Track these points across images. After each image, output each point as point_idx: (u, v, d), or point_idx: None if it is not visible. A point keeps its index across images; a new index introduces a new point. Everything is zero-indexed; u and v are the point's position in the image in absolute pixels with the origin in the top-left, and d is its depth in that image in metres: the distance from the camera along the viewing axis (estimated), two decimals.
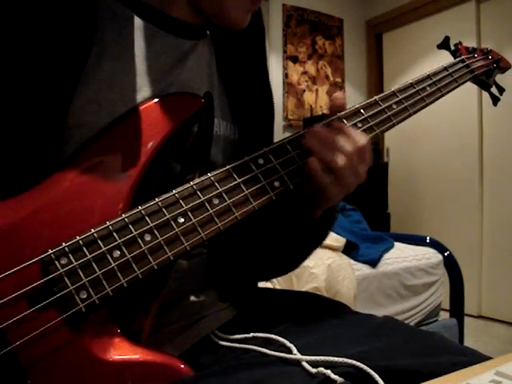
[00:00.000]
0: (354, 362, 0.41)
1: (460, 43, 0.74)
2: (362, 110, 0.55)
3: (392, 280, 1.75)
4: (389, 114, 0.56)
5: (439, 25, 2.98)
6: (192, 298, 0.54)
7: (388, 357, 0.43)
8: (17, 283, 0.37)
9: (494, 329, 2.58)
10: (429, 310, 1.85)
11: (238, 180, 0.46)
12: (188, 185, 0.44)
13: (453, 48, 0.74)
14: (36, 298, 0.37)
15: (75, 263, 0.38)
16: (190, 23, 0.54)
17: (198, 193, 0.44)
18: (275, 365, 0.44)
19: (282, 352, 0.45)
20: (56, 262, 0.38)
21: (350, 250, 1.79)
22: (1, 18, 0.42)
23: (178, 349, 0.50)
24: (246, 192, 0.46)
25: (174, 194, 0.43)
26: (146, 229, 0.41)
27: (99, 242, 0.40)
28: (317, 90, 3.28)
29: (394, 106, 0.57)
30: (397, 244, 1.97)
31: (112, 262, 0.39)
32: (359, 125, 0.54)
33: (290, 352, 0.45)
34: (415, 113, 0.59)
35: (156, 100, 0.47)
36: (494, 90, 0.76)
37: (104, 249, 0.39)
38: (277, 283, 1.54)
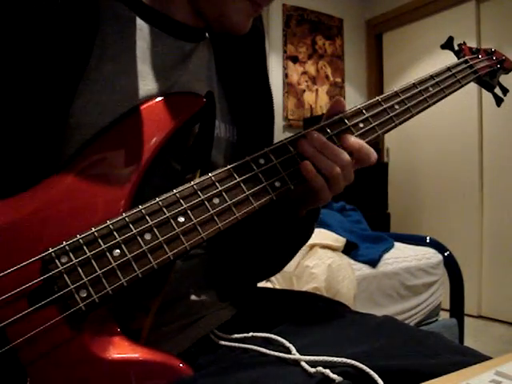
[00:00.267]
0: (353, 361, 0.41)
1: (464, 43, 0.74)
2: (363, 111, 0.54)
3: (392, 280, 1.75)
4: (391, 114, 0.56)
5: (439, 25, 2.98)
6: (191, 297, 0.55)
7: (388, 357, 0.43)
8: (17, 281, 0.37)
9: (493, 329, 2.58)
10: (429, 310, 1.85)
11: (239, 180, 0.46)
12: (189, 184, 0.44)
13: (456, 48, 0.73)
14: (36, 297, 0.37)
15: (75, 262, 0.38)
16: (190, 26, 0.54)
17: (199, 192, 0.44)
18: (274, 364, 0.44)
19: (280, 352, 0.45)
20: (56, 261, 0.38)
21: (349, 250, 1.79)
22: (3, 18, 0.42)
23: (178, 348, 0.51)
24: (247, 192, 0.46)
25: (174, 194, 0.43)
26: (147, 228, 0.41)
27: (99, 240, 0.40)
28: (317, 90, 3.28)
29: (397, 107, 0.56)
30: (397, 244, 1.96)
31: (112, 261, 0.39)
32: (361, 125, 0.53)
33: (289, 352, 0.45)
34: (418, 113, 0.58)
35: (157, 99, 0.47)
36: (497, 90, 0.75)
37: (104, 247, 0.39)
38: (277, 283, 1.54)
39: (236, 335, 0.52)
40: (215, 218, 0.44)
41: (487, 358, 0.43)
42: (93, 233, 0.40)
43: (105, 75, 0.46)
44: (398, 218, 3.19)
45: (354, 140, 0.51)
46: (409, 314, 1.77)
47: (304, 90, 3.22)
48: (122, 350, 0.39)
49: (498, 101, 0.75)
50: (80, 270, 0.38)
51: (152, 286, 0.45)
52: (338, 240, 1.75)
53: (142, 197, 0.43)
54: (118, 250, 0.40)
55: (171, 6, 0.52)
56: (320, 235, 1.70)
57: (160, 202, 0.42)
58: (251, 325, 0.53)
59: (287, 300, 0.61)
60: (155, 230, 0.41)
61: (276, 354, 0.45)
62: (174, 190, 0.43)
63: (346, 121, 0.53)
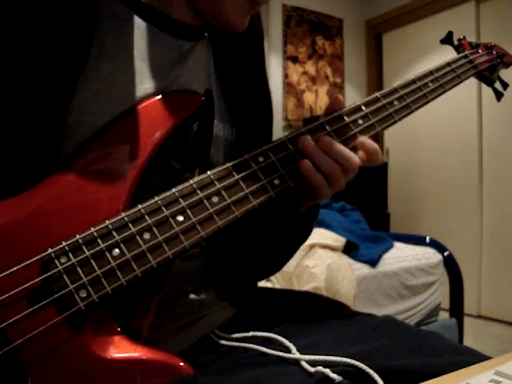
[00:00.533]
0: (352, 361, 0.41)
1: (464, 38, 0.73)
2: (363, 107, 0.54)
3: (392, 280, 1.75)
4: (390, 110, 0.55)
5: (439, 25, 2.98)
6: (191, 297, 0.55)
7: (387, 356, 0.44)
8: (17, 282, 0.37)
9: (493, 329, 2.58)
10: (428, 310, 1.85)
11: (238, 177, 0.46)
12: (188, 183, 0.44)
13: (456, 43, 0.72)
14: (36, 297, 0.37)
15: (75, 262, 0.38)
16: (188, 24, 0.54)
17: (198, 191, 0.44)
18: (274, 364, 0.44)
19: (281, 351, 0.46)
20: (56, 261, 0.38)
21: (349, 250, 1.79)
22: (1, 16, 0.42)
23: (178, 347, 0.51)
24: (246, 190, 0.46)
25: (173, 193, 0.43)
26: (146, 227, 0.41)
27: (99, 240, 0.40)
28: (317, 91, 3.27)
29: (396, 103, 0.56)
30: (396, 244, 1.96)
31: (111, 261, 0.39)
32: (360, 121, 0.53)
33: (289, 351, 0.45)
34: (417, 109, 0.58)
35: (156, 98, 0.47)
36: (497, 85, 0.75)
37: (103, 246, 0.39)
38: (276, 283, 1.54)
39: (236, 335, 0.52)
40: (214, 216, 0.44)
41: (487, 358, 0.43)
42: (92, 233, 0.40)
43: (103, 73, 0.46)
44: (398, 217, 3.19)
45: (369, 141, 0.51)
46: (408, 313, 1.77)
47: (304, 91, 3.22)
48: (122, 350, 0.40)
49: (498, 95, 0.74)
50: (79, 270, 0.38)
51: (151, 285, 0.45)
52: (338, 240, 1.75)
53: (141, 196, 0.43)
54: (117, 250, 0.40)
55: (169, 4, 0.52)
56: (320, 235, 1.70)
57: (159, 201, 0.42)
58: (251, 324, 0.53)
59: (287, 300, 0.62)
60: (154, 229, 0.41)
61: (276, 353, 0.45)
62: (173, 189, 0.43)
63: (345, 117, 0.52)
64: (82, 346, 0.38)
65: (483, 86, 0.75)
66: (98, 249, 0.39)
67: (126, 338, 0.41)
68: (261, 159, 0.48)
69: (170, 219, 0.42)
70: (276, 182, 0.48)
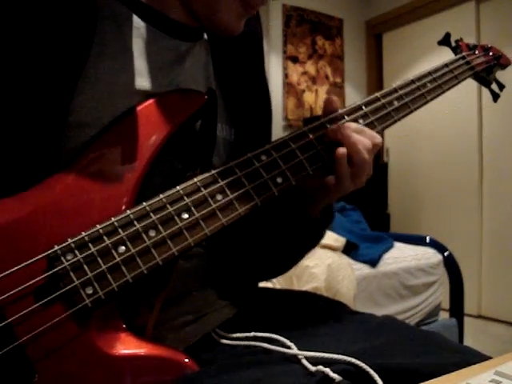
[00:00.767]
0: (353, 360, 0.42)
1: (461, 39, 0.74)
2: (363, 107, 0.55)
3: (392, 280, 1.75)
4: (389, 109, 0.56)
5: (439, 25, 2.98)
6: (194, 295, 0.55)
7: (387, 356, 0.44)
8: (23, 279, 0.37)
9: (493, 329, 2.58)
10: (428, 310, 1.85)
11: (240, 175, 0.46)
12: (192, 181, 0.44)
13: (454, 44, 0.73)
14: (42, 294, 0.37)
15: (81, 258, 0.39)
16: (187, 25, 0.54)
17: (202, 189, 0.44)
18: (275, 363, 0.45)
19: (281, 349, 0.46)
20: (62, 258, 0.38)
21: (349, 250, 1.79)
22: (2, 16, 0.42)
23: (180, 345, 0.51)
24: (248, 187, 0.46)
25: (178, 191, 0.43)
26: (151, 224, 0.41)
27: (104, 237, 0.40)
28: (317, 91, 3.28)
29: (395, 102, 0.57)
30: (396, 244, 1.97)
31: (117, 258, 0.40)
32: (360, 120, 0.54)
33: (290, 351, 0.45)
34: (416, 109, 0.59)
35: (158, 97, 0.47)
36: (494, 86, 0.76)
37: (109, 243, 0.40)
38: (276, 283, 1.54)
39: (237, 334, 0.52)
40: (218, 213, 0.44)
41: (487, 358, 0.43)
42: (98, 230, 0.40)
43: (104, 73, 0.46)
44: (398, 218, 3.19)
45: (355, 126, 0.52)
46: (408, 313, 1.77)
47: (304, 90, 3.22)
48: (128, 346, 0.40)
49: (495, 96, 0.75)
50: (85, 267, 0.39)
51: (156, 282, 0.45)
52: (338, 240, 1.76)
53: (143, 195, 0.43)
54: (122, 247, 0.40)
55: (166, 5, 0.52)
56: None
57: (164, 199, 0.43)
58: (252, 324, 0.53)
59: (288, 300, 0.62)
60: (159, 226, 0.42)
61: (278, 348, 0.46)
62: (178, 187, 0.44)
63: (345, 117, 0.53)
64: (88, 342, 0.39)
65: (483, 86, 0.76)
66: (103, 246, 0.40)
67: (131, 334, 0.41)
68: (263, 158, 0.48)
69: (175, 216, 0.42)
70: (278, 179, 0.48)
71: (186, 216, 0.43)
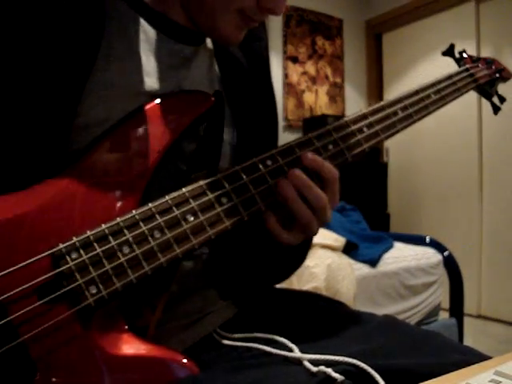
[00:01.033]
0: (354, 360, 0.42)
1: (464, 51, 0.75)
2: (368, 116, 0.56)
3: (392, 280, 1.75)
4: (394, 119, 0.57)
5: (439, 25, 2.98)
6: (195, 296, 0.55)
7: (388, 356, 0.44)
8: (27, 277, 0.37)
9: (493, 328, 2.58)
10: (428, 310, 1.85)
11: (246, 180, 0.46)
12: (197, 184, 0.45)
13: (457, 56, 0.75)
14: (46, 293, 0.37)
15: (86, 258, 0.39)
16: (190, 29, 0.54)
17: (208, 192, 0.45)
18: (277, 364, 0.45)
19: (283, 351, 0.46)
20: (67, 257, 0.38)
21: (349, 250, 1.79)
22: (10, 19, 0.42)
23: (181, 345, 0.51)
24: (254, 192, 0.46)
25: (184, 193, 0.44)
26: (156, 226, 0.42)
27: (110, 237, 0.40)
28: (317, 91, 3.28)
29: (400, 112, 0.58)
30: (396, 244, 1.97)
31: (121, 258, 0.40)
32: (365, 129, 0.54)
33: (292, 352, 0.46)
34: (419, 120, 0.60)
35: (166, 98, 0.47)
36: (495, 99, 0.77)
37: (114, 243, 0.40)
38: None
39: (238, 335, 0.52)
40: (223, 216, 0.44)
41: (487, 358, 0.43)
42: (103, 229, 0.40)
43: (112, 75, 0.46)
44: (398, 217, 3.19)
45: (312, 157, 0.49)
46: (408, 313, 1.77)
47: (304, 91, 3.22)
48: (129, 346, 0.40)
49: (496, 109, 0.76)
50: (90, 266, 0.39)
51: (159, 283, 0.45)
52: (338, 240, 1.76)
53: (148, 196, 0.44)
54: (127, 247, 0.40)
55: (170, 9, 0.52)
56: (320, 235, 1.69)
57: (170, 201, 0.43)
58: (253, 324, 0.54)
59: (289, 299, 0.62)
60: (165, 228, 0.42)
61: (279, 352, 0.46)
62: (184, 189, 0.44)
63: (351, 125, 0.54)
64: (90, 341, 0.39)
65: None
66: (108, 246, 0.40)
67: (132, 335, 0.41)
68: (269, 163, 0.48)
69: (180, 219, 0.43)
70: None
71: (191, 218, 0.43)
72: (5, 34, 0.42)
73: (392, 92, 3.29)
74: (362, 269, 1.71)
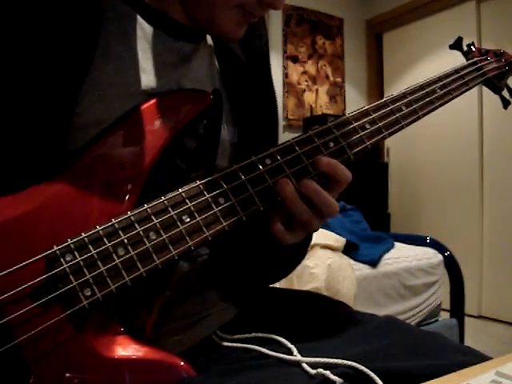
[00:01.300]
0: (353, 363, 0.41)
1: (473, 44, 0.72)
2: (371, 112, 0.54)
3: (392, 280, 1.75)
4: (397, 115, 0.55)
5: (439, 25, 2.98)
6: (194, 297, 0.54)
7: (388, 358, 0.43)
8: (22, 280, 0.37)
9: (494, 329, 2.58)
10: (429, 310, 1.85)
11: (244, 180, 0.46)
12: (194, 184, 0.44)
13: (465, 49, 0.72)
14: (40, 295, 0.37)
15: (80, 260, 0.38)
16: (190, 26, 0.54)
17: (205, 192, 0.44)
18: (275, 366, 0.44)
19: (282, 353, 0.45)
20: (61, 259, 0.38)
21: (350, 250, 1.79)
22: (6, 19, 0.41)
23: (180, 347, 0.50)
24: (252, 191, 0.46)
25: (180, 193, 0.43)
26: (152, 227, 0.41)
27: (104, 239, 0.40)
28: (317, 90, 3.27)
29: (404, 108, 0.56)
30: (397, 244, 1.96)
31: (116, 260, 0.39)
32: (367, 126, 0.53)
33: (291, 353, 0.45)
34: (424, 115, 0.58)
35: (164, 96, 0.46)
36: (504, 93, 0.74)
37: (109, 245, 0.39)
38: (277, 282, 1.54)
39: (238, 336, 0.52)
40: (220, 217, 0.44)
41: (488, 358, 0.43)
42: (98, 231, 0.40)
43: (109, 74, 0.46)
44: (398, 217, 3.19)
45: (327, 161, 0.48)
46: (409, 314, 1.77)
47: (304, 90, 3.22)
48: (125, 349, 0.40)
49: (505, 103, 0.73)
50: (85, 269, 0.38)
51: (155, 285, 0.45)
52: (338, 240, 1.75)
53: (146, 195, 0.43)
54: (122, 249, 0.40)
55: (168, 7, 0.52)
56: (320, 235, 1.69)
57: (166, 202, 0.42)
58: (253, 324, 0.53)
59: (289, 299, 0.61)
60: (160, 229, 0.41)
61: (277, 355, 0.45)
62: (180, 190, 0.43)
63: (353, 122, 0.52)
64: (85, 344, 0.38)
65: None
66: (103, 247, 0.39)
67: (128, 337, 0.41)
68: (268, 161, 0.47)
69: (176, 220, 0.42)
70: None
71: (187, 219, 0.42)
72: (1, 33, 0.41)
73: (392, 91, 3.28)
74: (363, 269, 1.71)
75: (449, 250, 1.96)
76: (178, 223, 0.42)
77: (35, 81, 0.42)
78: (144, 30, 0.50)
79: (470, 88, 0.65)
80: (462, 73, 0.64)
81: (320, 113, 3.19)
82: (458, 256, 1.95)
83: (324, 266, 1.58)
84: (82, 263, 0.38)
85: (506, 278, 2.65)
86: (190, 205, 0.43)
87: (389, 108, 0.55)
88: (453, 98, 0.62)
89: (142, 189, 0.43)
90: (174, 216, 0.42)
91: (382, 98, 0.56)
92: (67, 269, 0.38)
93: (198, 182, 0.44)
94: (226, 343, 0.52)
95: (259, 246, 0.56)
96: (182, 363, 0.40)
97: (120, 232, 0.40)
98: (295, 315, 0.55)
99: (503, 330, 2.54)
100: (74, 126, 0.44)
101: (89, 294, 0.38)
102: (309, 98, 3.23)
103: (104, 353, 0.39)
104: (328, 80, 3.33)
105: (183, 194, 0.43)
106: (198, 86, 0.53)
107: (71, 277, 0.38)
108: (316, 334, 0.50)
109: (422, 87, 0.59)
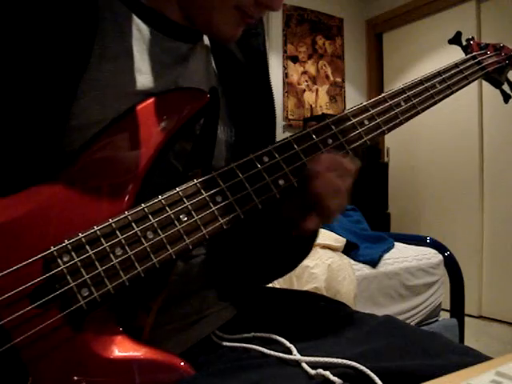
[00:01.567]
0: (353, 363, 0.41)
1: (472, 38, 0.72)
2: (369, 108, 0.54)
3: (392, 280, 1.75)
4: (396, 111, 0.55)
5: (439, 24, 2.97)
6: (193, 297, 0.54)
7: (388, 358, 0.43)
8: (19, 281, 0.37)
9: (494, 329, 2.57)
10: (429, 310, 1.85)
11: (242, 178, 0.45)
12: (192, 182, 0.44)
13: (464, 43, 0.71)
14: (38, 296, 0.37)
15: (77, 261, 0.38)
16: (186, 26, 0.54)
17: (202, 191, 0.44)
18: (275, 366, 0.44)
19: (281, 352, 0.45)
20: (58, 260, 0.38)
21: (350, 250, 1.79)
22: (2, 19, 0.41)
23: (179, 347, 0.50)
24: (250, 190, 0.45)
25: (177, 192, 0.43)
26: (149, 227, 0.41)
27: (102, 239, 0.39)
28: (317, 90, 3.27)
29: (403, 104, 0.56)
30: (397, 244, 1.96)
31: (114, 260, 0.39)
32: (366, 122, 0.53)
33: (290, 353, 0.45)
34: (423, 110, 0.57)
35: (160, 96, 0.46)
36: (505, 87, 0.74)
37: (106, 245, 0.39)
38: (276, 283, 1.54)
39: (237, 335, 0.52)
40: (218, 216, 0.43)
41: (488, 359, 0.43)
42: (95, 231, 0.39)
43: (106, 75, 0.46)
44: (398, 218, 3.19)
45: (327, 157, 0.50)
46: (409, 314, 1.77)
47: (304, 90, 3.22)
48: (123, 349, 0.39)
49: (506, 97, 0.73)
50: (82, 269, 0.38)
51: (153, 285, 0.44)
52: (338, 240, 1.75)
53: (142, 195, 0.43)
54: (120, 249, 0.40)
55: (165, 7, 0.52)
56: (320, 235, 1.69)
57: (163, 201, 0.42)
58: (252, 324, 0.53)
59: (289, 299, 0.61)
60: (158, 228, 0.41)
61: (277, 354, 0.45)
62: (177, 188, 0.43)
63: (351, 118, 0.52)
64: (83, 344, 0.38)
65: (484, 84, 0.74)
66: (100, 248, 0.39)
67: (127, 337, 0.40)
68: (266, 159, 0.47)
69: (174, 219, 0.42)
70: (280, 182, 0.47)
71: (184, 218, 0.42)
72: None
73: None
74: (363, 269, 1.71)
75: (449, 250, 1.96)
76: (176, 222, 0.42)
77: (31, 81, 0.42)
78: (140, 30, 0.50)
79: (470, 82, 0.64)
80: (461, 67, 0.64)
81: (320, 113, 3.19)
82: (458, 256, 1.95)
83: (324, 266, 1.57)
84: (79, 264, 0.38)
85: (506, 278, 2.65)
86: (187, 204, 0.43)
87: (387, 103, 0.55)
88: (452, 93, 0.61)
89: (139, 189, 0.43)
90: (172, 215, 0.42)
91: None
92: (64, 269, 0.38)
93: (195, 181, 0.44)
94: (225, 343, 0.52)
95: (269, 238, 0.56)
96: (182, 363, 0.40)
97: (117, 232, 0.40)
98: (295, 315, 0.55)
99: (503, 330, 2.54)
100: (70, 127, 0.44)
101: (86, 294, 0.38)
102: (309, 97, 3.23)
103: (103, 353, 0.38)
104: (328, 80, 3.33)
105: (180, 192, 0.43)
106: (195, 86, 0.52)
107: (68, 277, 0.38)
108: (315, 333, 0.50)
109: (421, 82, 0.59)
